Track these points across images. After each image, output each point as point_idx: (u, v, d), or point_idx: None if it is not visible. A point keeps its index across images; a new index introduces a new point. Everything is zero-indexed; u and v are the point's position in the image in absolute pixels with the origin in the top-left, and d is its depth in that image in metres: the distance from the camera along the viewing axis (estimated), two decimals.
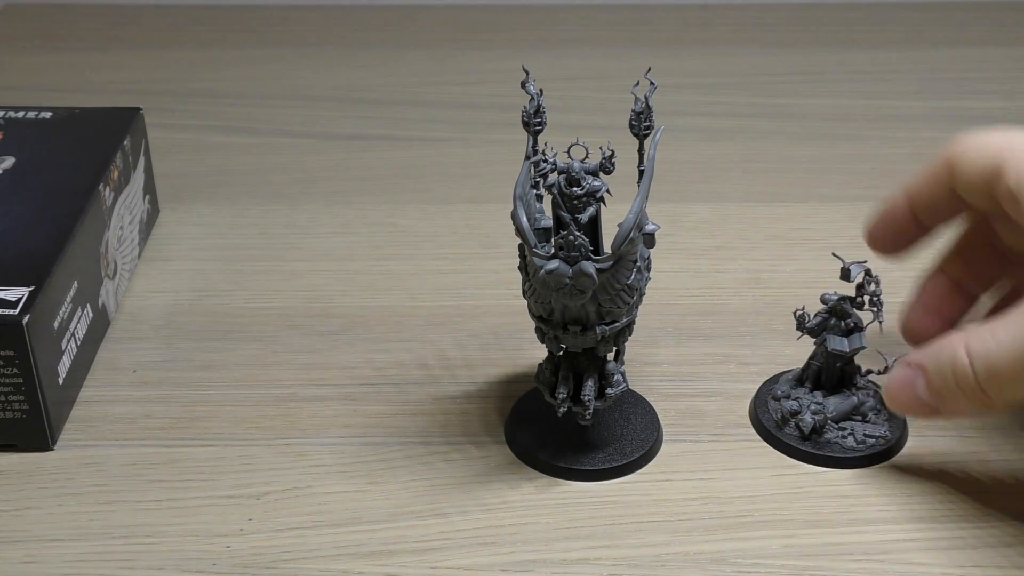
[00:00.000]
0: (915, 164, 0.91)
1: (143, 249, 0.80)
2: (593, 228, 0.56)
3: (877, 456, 0.62)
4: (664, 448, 0.63)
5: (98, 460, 0.63)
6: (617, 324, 0.58)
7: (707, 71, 1.08)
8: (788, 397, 0.64)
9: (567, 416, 0.61)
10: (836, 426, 0.63)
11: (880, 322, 0.62)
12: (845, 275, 0.62)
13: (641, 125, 0.57)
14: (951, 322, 0.63)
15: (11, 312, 0.60)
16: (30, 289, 0.62)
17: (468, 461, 0.62)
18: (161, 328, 0.73)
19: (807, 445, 0.62)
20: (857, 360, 0.64)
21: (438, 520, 0.58)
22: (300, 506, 0.59)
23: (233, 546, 0.57)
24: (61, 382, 0.64)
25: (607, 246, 0.56)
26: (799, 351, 0.70)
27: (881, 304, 0.62)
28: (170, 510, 0.59)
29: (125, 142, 0.77)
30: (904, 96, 1.03)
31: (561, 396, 0.60)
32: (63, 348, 0.64)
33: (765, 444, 0.63)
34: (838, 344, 0.63)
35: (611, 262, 0.55)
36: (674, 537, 0.57)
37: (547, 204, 0.58)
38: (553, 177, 0.57)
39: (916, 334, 0.63)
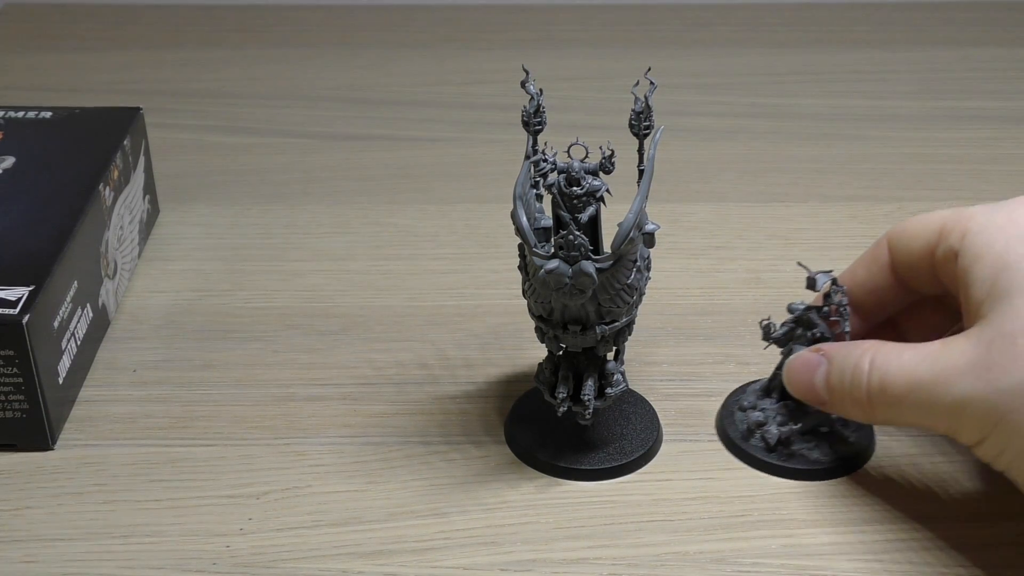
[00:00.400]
0: (915, 164, 0.92)
1: (143, 249, 0.80)
2: (593, 228, 0.56)
3: (843, 467, 0.61)
4: (664, 448, 0.63)
5: (98, 460, 0.63)
6: (617, 324, 0.58)
7: (707, 71, 1.08)
8: (755, 408, 0.63)
9: (567, 416, 0.61)
10: (802, 438, 0.62)
11: (846, 332, 0.60)
12: (811, 284, 0.61)
13: (641, 125, 0.57)
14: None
15: (11, 312, 0.60)
16: (30, 289, 0.62)
17: (468, 461, 0.62)
18: (161, 328, 0.73)
19: (773, 457, 0.61)
20: None
21: (438, 520, 0.58)
22: (300, 506, 0.59)
23: (233, 546, 0.57)
24: (61, 382, 0.64)
25: (607, 246, 0.56)
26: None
27: (847, 314, 0.61)
28: (170, 510, 0.59)
29: (125, 142, 0.77)
30: (904, 96, 1.03)
31: (561, 396, 0.60)
32: (63, 348, 0.64)
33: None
34: None
35: (611, 262, 0.55)
36: (674, 537, 0.57)
37: (547, 204, 0.58)
38: (553, 177, 0.57)
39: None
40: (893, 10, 1.22)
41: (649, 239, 0.58)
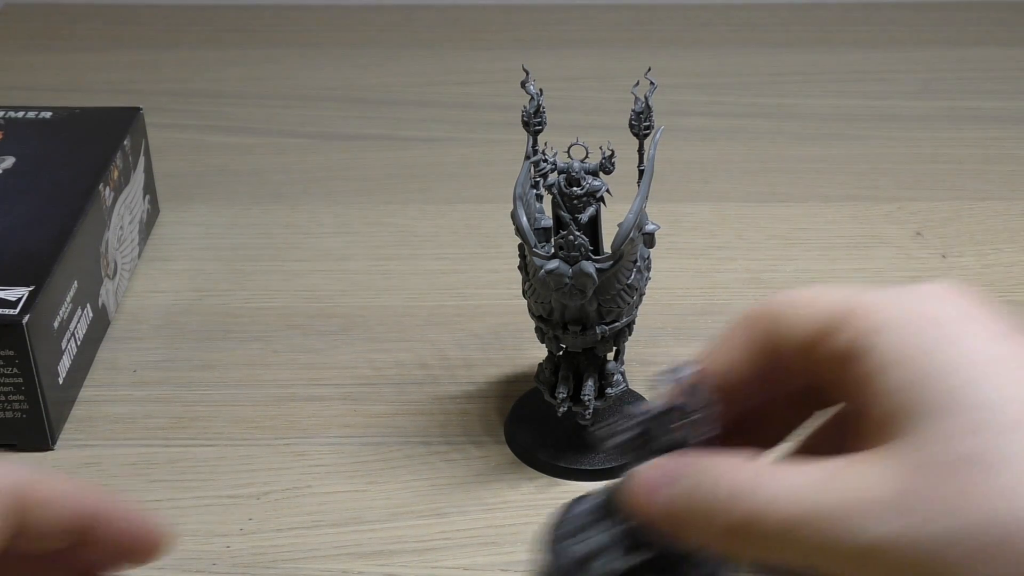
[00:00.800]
0: (915, 164, 0.92)
1: (143, 249, 0.80)
2: (593, 228, 0.56)
3: None
4: None
5: (98, 460, 0.63)
6: (617, 324, 0.58)
7: (707, 71, 1.08)
8: (588, 532, 0.44)
9: (567, 416, 0.61)
10: None
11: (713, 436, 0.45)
12: (670, 380, 0.43)
13: (641, 125, 0.57)
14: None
15: (11, 312, 0.60)
16: (30, 289, 0.62)
17: (468, 461, 0.62)
18: (161, 328, 0.73)
19: None
20: None
21: (438, 520, 0.58)
22: (300, 506, 0.59)
23: (233, 546, 0.57)
24: (61, 382, 0.64)
25: (607, 246, 0.56)
26: None
27: (715, 415, 0.44)
28: (170, 510, 0.59)
29: (125, 142, 0.77)
30: (904, 96, 1.03)
31: (561, 396, 0.60)
32: (63, 348, 0.64)
33: None
34: None
35: (611, 262, 0.55)
36: None
37: (547, 204, 0.58)
38: (553, 177, 0.57)
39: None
40: (893, 10, 1.22)
41: (649, 239, 0.58)
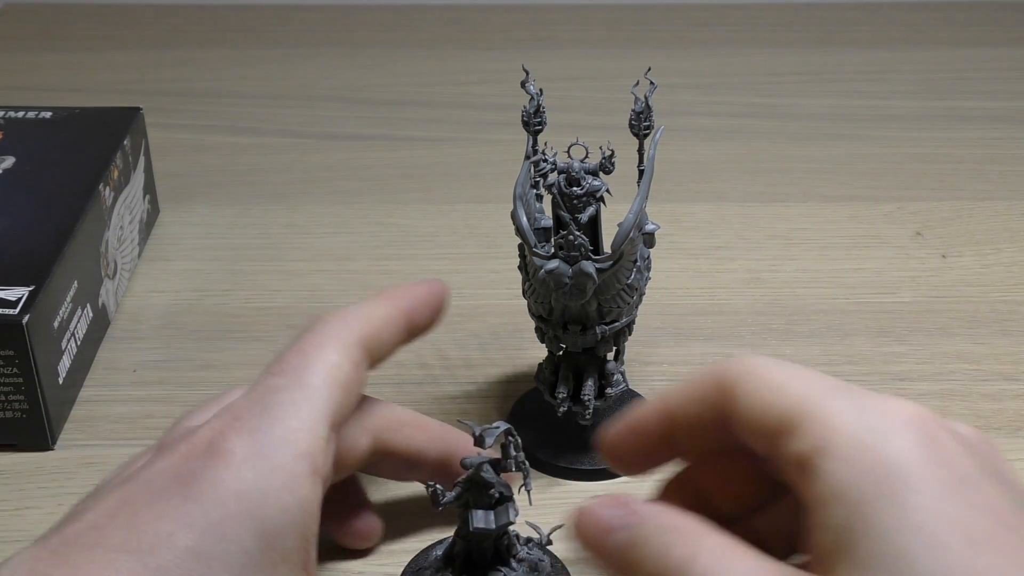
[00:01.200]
0: (915, 164, 0.92)
1: (143, 249, 0.80)
2: (593, 228, 0.56)
3: None
4: None
5: (98, 460, 0.63)
6: (617, 324, 0.58)
7: (707, 71, 1.08)
8: None
9: (567, 416, 0.61)
10: None
11: (528, 491, 0.50)
12: (479, 443, 0.48)
13: (641, 125, 0.57)
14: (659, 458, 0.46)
15: (11, 312, 0.60)
16: (30, 289, 0.62)
17: None
18: (161, 328, 0.73)
19: None
20: (513, 532, 0.53)
21: (438, 519, 0.58)
22: None
23: None
24: (61, 382, 0.64)
25: (607, 246, 0.56)
26: (797, 351, 0.70)
27: (527, 470, 0.50)
28: None
29: (125, 142, 0.77)
30: (904, 96, 1.03)
31: (561, 396, 0.60)
32: (63, 348, 0.64)
33: None
34: (481, 520, 0.50)
35: (611, 262, 0.55)
36: None
37: (547, 204, 0.58)
38: (553, 177, 0.57)
39: (614, 450, 0.46)
40: (893, 10, 1.21)
41: (649, 239, 0.58)
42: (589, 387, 0.60)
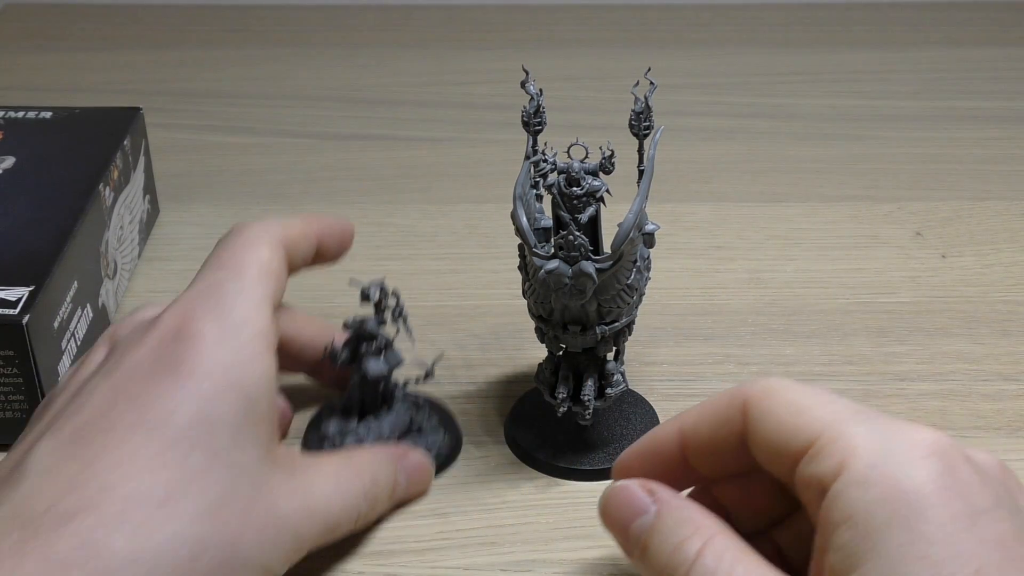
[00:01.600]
0: (915, 164, 0.92)
1: (143, 249, 0.80)
2: (593, 228, 0.56)
3: (445, 461, 0.61)
4: None
5: None
6: (617, 324, 0.58)
7: (707, 71, 1.08)
8: (341, 433, 0.60)
9: (567, 416, 0.61)
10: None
11: (409, 332, 0.61)
12: (365, 297, 0.60)
13: (641, 125, 0.57)
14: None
15: (11, 312, 0.60)
16: (30, 289, 0.62)
17: (468, 461, 0.62)
18: None
19: None
20: (394, 376, 0.61)
21: (438, 520, 0.58)
22: None
23: None
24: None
25: (607, 246, 0.56)
26: (797, 351, 0.70)
27: (405, 315, 0.60)
28: None
29: (125, 142, 0.77)
30: (904, 96, 1.03)
31: (561, 396, 0.60)
32: (63, 348, 0.64)
33: None
34: (375, 367, 0.59)
35: (611, 262, 0.55)
36: None
37: (547, 204, 0.58)
38: (553, 177, 0.57)
39: (629, 474, 0.49)
40: (893, 10, 1.22)
41: (649, 239, 0.58)
42: (589, 387, 0.60)
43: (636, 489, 0.45)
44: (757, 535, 0.46)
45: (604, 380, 0.60)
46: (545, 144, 0.58)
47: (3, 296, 0.61)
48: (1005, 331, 0.72)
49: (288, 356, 0.61)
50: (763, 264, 0.79)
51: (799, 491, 0.41)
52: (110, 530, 0.42)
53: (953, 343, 0.71)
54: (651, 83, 0.58)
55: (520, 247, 0.58)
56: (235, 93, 1.04)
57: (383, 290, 0.61)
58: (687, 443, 0.46)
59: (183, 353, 0.47)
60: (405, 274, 0.78)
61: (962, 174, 0.90)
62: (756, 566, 0.40)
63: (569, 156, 0.56)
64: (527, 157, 0.58)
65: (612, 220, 0.56)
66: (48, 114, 0.80)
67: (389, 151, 0.94)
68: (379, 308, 0.60)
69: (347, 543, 0.57)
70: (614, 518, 0.45)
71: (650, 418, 0.64)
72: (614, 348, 0.60)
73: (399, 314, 0.61)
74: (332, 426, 0.61)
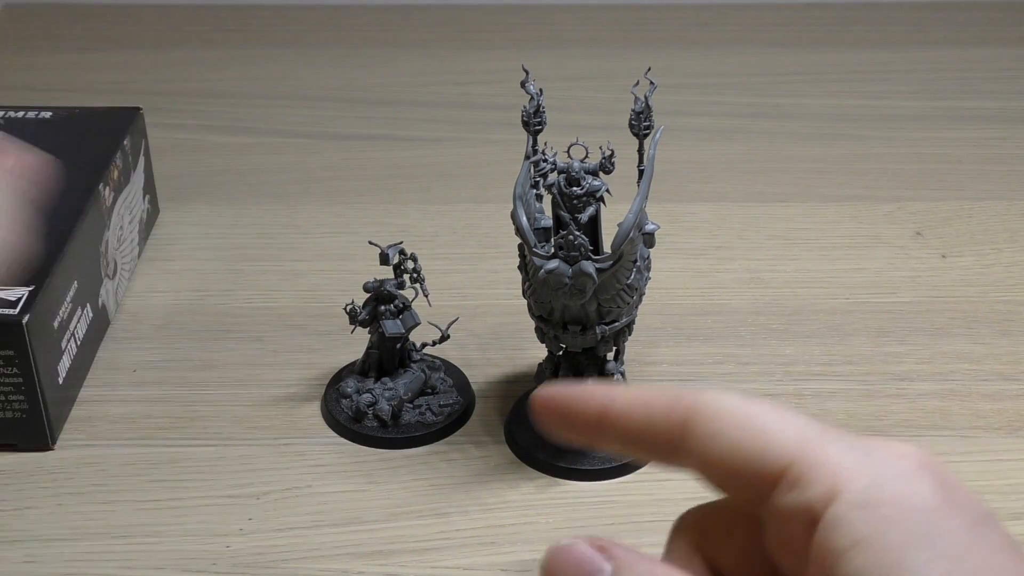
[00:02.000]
0: (915, 164, 0.92)
1: (143, 249, 0.80)
2: (593, 228, 0.56)
3: (456, 423, 0.64)
4: None
5: (98, 460, 0.63)
6: (617, 324, 0.58)
7: (707, 71, 1.08)
8: (359, 391, 0.64)
9: None
10: (411, 406, 0.64)
11: (426, 295, 0.64)
12: (384, 259, 0.63)
13: (641, 125, 0.57)
14: None
15: (11, 312, 0.60)
16: (30, 289, 0.62)
17: (468, 461, 0.62)
18: (161, 328, 0.73)
19: (390, 432, 0.63)
20: (411, 337, 0.65)
21: (438, 520, 0.58)
22: (300, 506, 0.59)
23: (233, 546, 0.57)
24: (61, 382, 0.64)
25: (607, 246, 0.56)
26: (797, 351, 0.70)
27: (423, 278, 0.64)
28: (170, 510, 0.59)
29: (125, 142, 0.77)
30: (904, 96, 1.03)
31: None
32: (63, 348, 0.64)
33: None
34: (393, 327, 0.64)
35: (611, 262, 0.55)
36: None
37: (547, 204, 0.58)
38: (553, 177, 0.57)
39: (546, 407, 0.42)
40: (893, 10, 1.21)
41: (649, 239, 0.58)
42: None
43: (585, 548, 0.39)
44: None
45: (604, 380, 0.60)
46: (545, 144, 0.58)
47: (3, 296, 0.61)
48: (1005, 331, 0.72)
49: None
50: (763, 264, 0.79)
51: (775, 524, 0.38)
52: None
53: (953, 343, 0.71)
54: (651, 83, 0.58)
55: (520, 247, 0.58)
56: (235, 93, 1.04)
57: (402, 253, 0.63)
58: (612, 416, 0.41)
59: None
60: None
61: (962, 174, 0.90)
62: None
63: (569, 156, 0.56)
64: (527, 157, 0.58)
65: (612, 220, 0.56)
66: (48, 114, 0.80)
67: (389, 151, 0.94)
68: (397, 271, 0.64)
69: (347, 543, 0.57)
70: (568, 573, 0.39)
71: None
72: (614, 348, 0.60)
73: (417, 277, 0.64)
74: (350, 385, 0.65)
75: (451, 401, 0.65)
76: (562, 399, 0.42)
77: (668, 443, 0.40)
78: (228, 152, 0.94)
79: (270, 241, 0.82)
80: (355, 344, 0.68)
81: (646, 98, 0.57)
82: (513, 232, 0.56)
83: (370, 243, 0.64)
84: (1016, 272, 0.78)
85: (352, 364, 0.67)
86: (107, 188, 0.73)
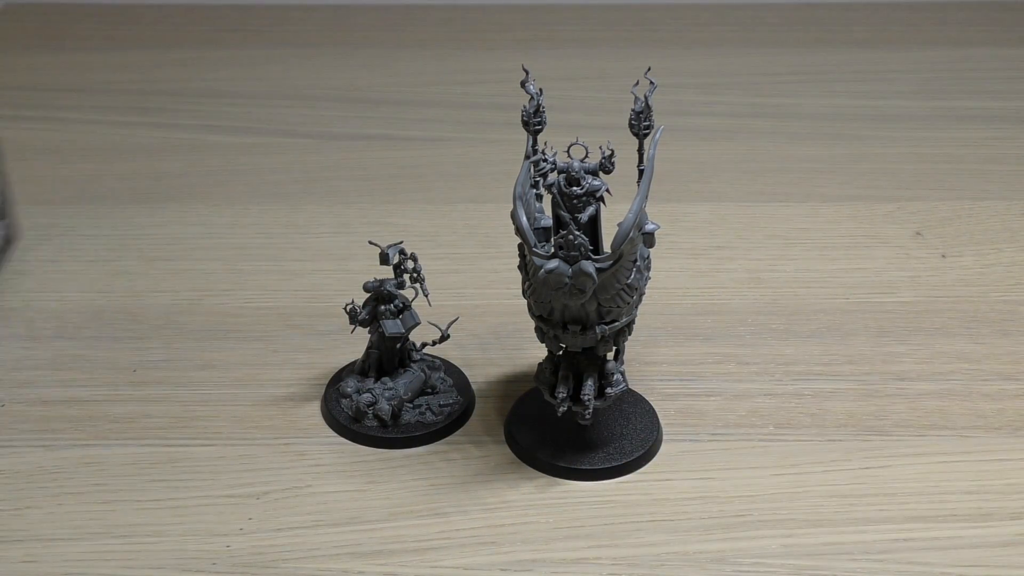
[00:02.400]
0: (915, 164, 0.92)
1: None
2: (593, 228, 0.56)
3: (456, 423, 0.64)
4: (664, 448, 0.63)
5: (98, 460, 0.63)
6: (617, 324, 0.58)
7: (707, 71, 1.08)
8: (359, 391, 0.64)
9: (567, 416, 0.61)
10: (411, 405, 0.64)
11: (426, 295, 0.64)
12: (384, 259, 0.63)
13: (641, 125, 0.57)
14: None
15: None
16: None
17: (468, 461, 0.62)
18: (161, 328, 0.73)
19: (389, 431, 0.63)
20: (411, 337, 0.66)
21: (438, 520, 0.58)
22: (300, 506, 0.59)
23: (233, 546, 0.57)
24: None
25: (607, 246, 0.56)
26: (797, 351, 0.70)
27: (422, 278, 0.64)
28: (170, 510, 0.59)
29: None
30: (904, 96, 1.03)
31: (561, 396, 0.60)
32: None
33: (763, 443, 0.63)
34: (393, 327, 0.64)
35: (611, 261, 0.55)
36: (674, 537, 0.57)
37: (547, 204, 0.58)
38: (553, 177, 0.57)
39: None
40: (893, 10, 1.21)
41: (649, 239, 0.58)
42: (589, 387, 0.60)
43: None
44: None
45: (604, 380, 0.60)
46: (545, 144, 0.58)
47: None
48: (1005, 331, 0.72)
49: None
50: (763, 264, 0.79)
51: None
52: None
53: (953, 343, 0.71)
54: (651, 83, 0.58)
55: (520, 247, 0.58)
56: (235, 93, 1.04)
57: (402, 253, 0.63)
58: None
59: None
60: None
61: (962, 174, 0.90)
62: None
63: (569, 156, 0.56)
64: (527, 157, 0.58)
65: (612, 220, 0.56)
66: None
67: (389, 151, 0.94)
68: (397, 271, 0.64)
69: (347, 543, 0.57)
70: None
71: (650, 418, 0.64)
72: (614, 348, 0.60)
73: (417, 277, 0.64)
74: (350, 384, 0.65)
75: (451, 401, 0.65)
76: None
77: None
78: (228, 152, 0.94)
79: (270, 241, 0.82)
80: (355, 344, 0.68)
81: (646, 98, 0.57)
82: (513, 232, 0.56)
83: (370, 243, 0.64)
84: (1016, 272, 0.78)
85: (352, 364, 0.67)
86: None
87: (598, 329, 0.58)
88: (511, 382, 0.68)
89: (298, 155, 0.94)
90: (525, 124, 0.58)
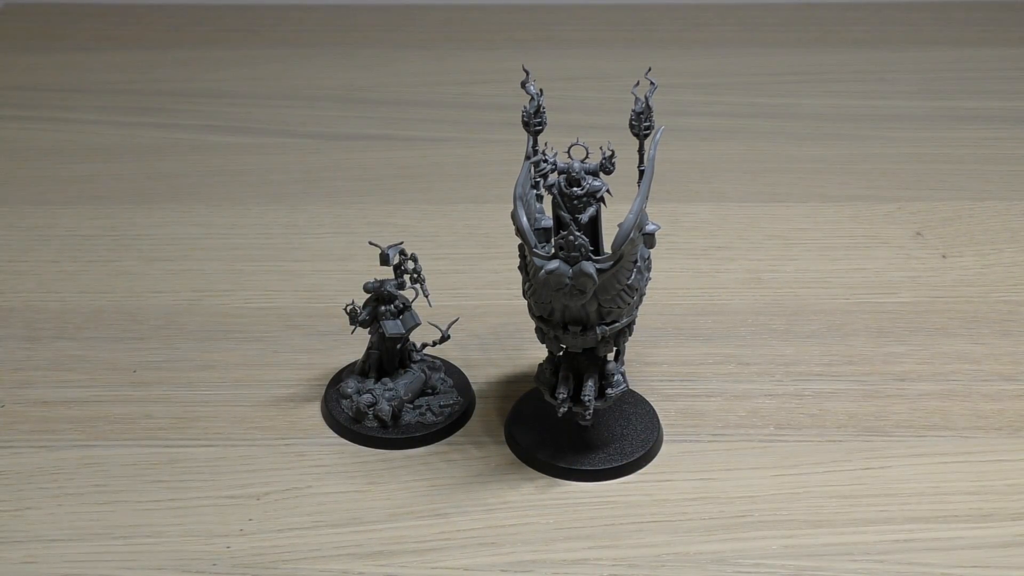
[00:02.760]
0: (915, 164, 0.92)
1: None
2: (593, 228, 0.56)
3: (456, 423, 0.64)
4: (664, 448, 0.63)
5: (98, 460, 0.63)
6: (617, 324, 0.58)
7: (707, 71, 1.08)
8: (359, 392, 0.64)
9: (567, 416, 0.61)
10: (411, 406, 0.64)
11: (426, 295, 0.64)
12: (384, 260, 0.63)
13: (641, 125, 0.57)
14: None
15: None
16: None
17: (468, 461, 0.62)
18: (161, 328, 0.73)
19: (389, 432, 0.63)
20: (411, 337, 0.66)
21: (438, 520, 0.58)
22: (300, 506, 0.59)
23: (233, 546, 0.57)
24: None
25: (607, 246, 0.56)
26: (798, 351, 0.70)
27: (423, 278, 0.64)
28: (170, 510, 0.59)
29: None
30: (904, 96, 1.03)
31: (561, 396, 0.60)
32: None
33: (763, 443, 0.63)
34: (393, 328, 0.64)
35: (611, 262, 0.55)
36: (674, 537, 0.57)
37: (547, 204, 0.58)
38: (553, 177, 0.57)
39: None
40: (893, 10, 1.21)
41: (649, 239, 0.58)
42: (589, 388, 0.59)
43: None
44: None
45: (604, 380, 0.60)
46: (545, 144, 0.58)
47: None
48: (1005, 331, 0.72)
49: None
50: (763, 264, 0.79)
51: None
52: None
53: (953, 343, 0.71)
54: (651, 83, 0.58)
55: (520, 247, 0.58)
56: (235, 93, 1.04)
57: (402, 254, 0.63)
58: None
59: None
60: None
61: (962, 174, 0.90)
62: None
63: (569, 156, 0.56)
64: (527, 157, 0.58)
65: (612, 220, 0.56)
66: None
67: (389, 151, 0.94)
68: (398, 271, 0.64)
69: (348, 544, 0.57)
70: None
71: (650, 418, 0.64)
72: (614, 348, 0.60)
73: (417, 278, 0.64)
74: (350, 385, 0.65)
75: (451, 401, 0.65)
76: None
77: None
78: (228, 152, 0.94)
79: (270, 241, 0.82)
80: (355, 344, 0.68)
81: (646, 98, 0.57)
82: (513, 232, 0.56)
83: (370, 243, 0.64)
84: (1016, 272, 0.78)
85: (352, 364, 0.67)
86: None
87: (598, 330, 0.58)
88: (511, 383, 0.68)
89: (298, 155, 0.94)
90: (525, 124, 0.58)
